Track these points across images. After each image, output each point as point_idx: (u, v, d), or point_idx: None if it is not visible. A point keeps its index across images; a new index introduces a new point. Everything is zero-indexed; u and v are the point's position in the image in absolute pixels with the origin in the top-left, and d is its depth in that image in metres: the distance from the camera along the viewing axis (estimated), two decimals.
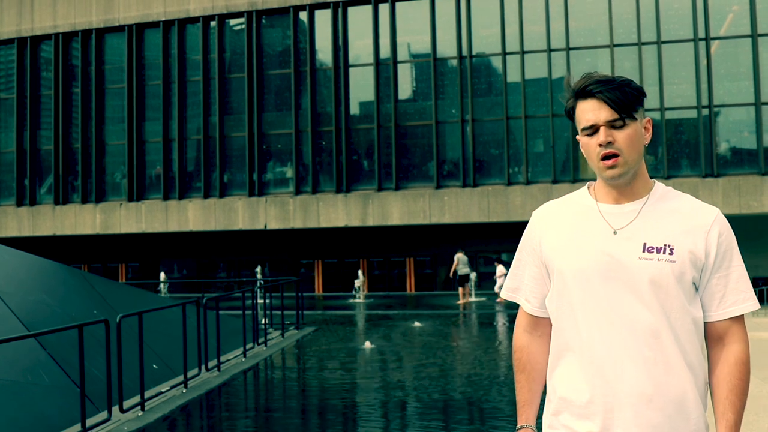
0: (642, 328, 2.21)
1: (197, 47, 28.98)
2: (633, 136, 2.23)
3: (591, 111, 2.24)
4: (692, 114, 24.75)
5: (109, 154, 30.09)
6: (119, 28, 29.70)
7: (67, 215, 29.78)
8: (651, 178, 2.39)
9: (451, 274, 25.25)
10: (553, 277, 2.37)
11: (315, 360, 13.10)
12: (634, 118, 2.24)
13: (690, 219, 2.27)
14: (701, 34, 24.54)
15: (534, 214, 2.52)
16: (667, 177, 23.96)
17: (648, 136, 2.31)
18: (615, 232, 2.27)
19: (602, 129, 2.22)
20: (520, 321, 2.56)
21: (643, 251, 2.22)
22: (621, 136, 2.22)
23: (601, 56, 25.40)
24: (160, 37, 29.24)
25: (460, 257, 24.07)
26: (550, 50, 25.50)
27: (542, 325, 2.50)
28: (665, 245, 2.22)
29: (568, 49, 25.42)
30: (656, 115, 24.74)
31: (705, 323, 2.30)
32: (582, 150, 2.34)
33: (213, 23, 28.84)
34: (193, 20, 28.94)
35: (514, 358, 2.57)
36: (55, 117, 30.20)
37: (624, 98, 2.21)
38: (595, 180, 2.43)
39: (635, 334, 2.21)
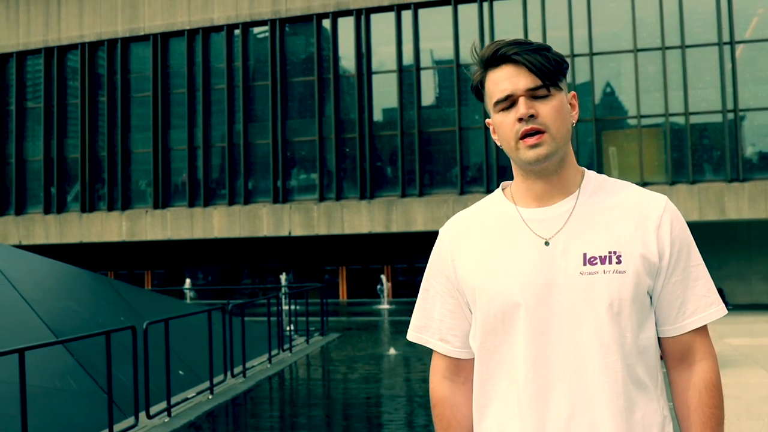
0: (594, 363, 1.75)
1: (221, 55, 29.17)
2: (560, 109, 1.80)
3: (506, 79, 1.79)
4: (717, 118, 24.54)
5: (135, 162, 30.34)
6: (144, 38, 29.97)
7: (93, 223, 30.06)
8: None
9: None
10: (474, 309, 1.88)
11: (340, 366, 13.13)
12: (559, 88, 1.81)
13: (635, 213, 1.81)
14: (726, 37, 24.35)
15: (442, 232, 2.02)
16: (692, 182, 23.75)
17: (575, 114, 1.88)
18: (546, 243, 1.80)
19: (522, 100, 1.77)
20: (437, 367, 2.05)
21: (584, 263, 1.76)
22: (546, 109, 1.77)
23: (625, 61, 25.28)
24: (184, 46, 29.47)
25: None
26: (573, 55, 25.42)
27: (466, 369, 1.99)
28: (610, 253, 1.76)
29: (591, 54, 25.32)
30: (681, 120, 24.57)
31: (660, 339, 1.87)
32: (494, 135, 1.89)
33: (237, 31, 29.02)
34: (218, 29, 29.14)
35: (433, 414, 2.06)
36: (81, 125, 30.51)
37: (547, 63, 1.78)
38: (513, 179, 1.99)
39: (585, 371, 1.75)
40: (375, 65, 27.76)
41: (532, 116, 1.76)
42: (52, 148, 30.93)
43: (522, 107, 1.76)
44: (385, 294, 27.23)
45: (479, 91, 1.89)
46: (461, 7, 26.79)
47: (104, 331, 7.65)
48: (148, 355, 8.36)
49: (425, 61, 27.44)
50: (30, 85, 31.79)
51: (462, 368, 2.00)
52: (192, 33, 29.38)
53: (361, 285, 31.45)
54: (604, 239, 1.78)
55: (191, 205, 29.00)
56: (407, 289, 31.14)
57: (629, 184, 1.88)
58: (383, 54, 27.67)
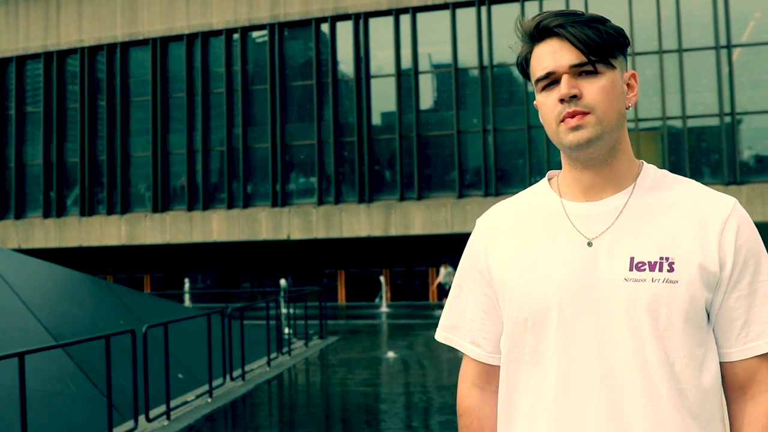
0: (634, 383, 1.51)
1: (220, 60, 29.24)
2: (609, 90, 1.55)
3: (549, 55, 1.58)
4: (714, 122, 24.62)
5: (134, 166, 30.40)
6: (143, 42, 30.03)
7: (92, 227, 30.10)
8: None
9: (435, 286, 25.54)
10: (506, 311, 1.67)
11: (339, 369, 13.18)
12: (612, 66, 1.57)
13: (695, 215, 1.56)
14: (723, 41, 24.43)
15: (478, 223, 1.81)
16: None
17: (633, 97, 1.63)
18: (589, 243, 1.58)
19: (564, 78, 1.55)
20: (466, 373, 1.82)
21: (631, 269, 1.53)
22: (592, 89, 1.54)
23: None
24: (183, 50, 29.54)
25: (447, 269, 24.33)
26: None
27: (498, 377, 1.75)
28: (662, 258, 1.52)
29: None
30: (678, 123, 24.65)
31: (721, 364, 1.58)
32: (540, 118, 1.67)
33: (236, 36, 29.09)
34: (216, 33, 29.21)
35: (459, 424, 1.83)
36: (80, 130, 30.57)
37: (596, 36, 1.54)
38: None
39: (623, 392, 1.52)
40: (373, 69, 27.83)
41: (575, 97, 1.54)
42: (52, 152, 30.98)
43: (564, 86, 1.54)
44: (384, 297, 27.26)
45: (524, 69, 1.69)
46: (459, 11, 26.86)
47: (104, 334, 7.69)
48: (147, 359, 8.40)
49: (423, 65, 27.51)
50: (30, 89, 31.85)
51: (494, 376, 1.77)
52: (191, 37, 29.44)
53: (360, 288, 31.48)
54: (656, 242, 1.54)
55: (190, 208, 29.04)
56: (406, 292, 31.18)
57: (693, 182, 1.63)
58: (382, 58, 27.75)
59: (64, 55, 31.19)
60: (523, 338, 1.62)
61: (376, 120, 27.99)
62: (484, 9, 26.47)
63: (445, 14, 26.95)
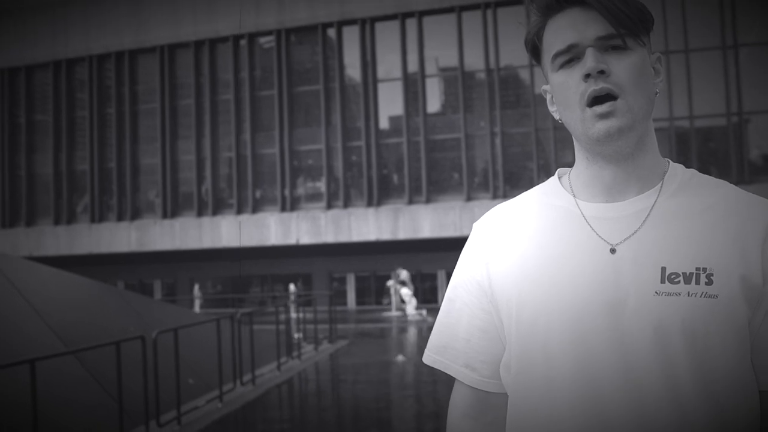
0: (666, 410, 1.25)
1: (228, 66, 29.34)
2: (640, 68, 1.32)
3: (570, 26, 1.33)
4: (722, 122, 24.57)
5: (143, 173, 30.54)
6: (151, 50, 30.17)
7: (102, 233, 30.24)
8: None
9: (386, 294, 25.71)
10: (512, 330, 1.40)
11: (348, 373, 13.21)
12: (642, 43, 1.34)
13: (734, 220, 1.31)
14: (729, 41, 24.39)
15: (476, 227, 1.55)
16: None
17: (660, 83, 1.40)
18: (612, 250, 1.33)
19: (590, 51, 1.30)
20: (457, 401, 1.53)
21: (663, 281, 1.28)
22: (621, 66, 1.30)
23: None
24: (191, 57, 29.66)
25: (401, 273, 24.62)
26: None
27: (495, 407, 1.50)
28: (698, 270, 1.28)
29: None
30: (686, 124, 24.61)
31: (760, 393, 1.32)
32: (551, 107, 1.45)
33: (243, 42, 29.19)
34: (223, 40, 29.32)
35: None
36: (90, 137, 30.73)
37: (626, 8, 1.31)
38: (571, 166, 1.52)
39: (654, 422, 1.25)
40: (380, 73, 27.88)
41: (602, 72, 1.29)
42: (62, 160, 31.14)
43: (590, 59, 1.29)
44: (393, 301, 27.29)
45: (536, 46, 1.42)
46: (465, 15, 26.89)
47: (114, 340, 7.76)
48: (158, 364, 8.46)
49: (430, 68, 27.55)
50: (39, 98, 32.03)
51: (490, 405, 1.50)
52: (198, 44, 29.56)
53: (369, 292, 31.52)
54: (691, 251, 1.29)
55: (199, 214, 29.14)
56: (416, 295, 31.19)
57: (727, 183, 1.40)
58: (388, 62, 27.80)
59: (72, 63, 31.35)
60: (534, 361, 1.35)
61: (383, 124, 28.04)
62: (489, 12, 26.50)
63: (451, 18, 26.98)
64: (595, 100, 1.30)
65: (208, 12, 29.21)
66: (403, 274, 25.72)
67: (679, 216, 1.34)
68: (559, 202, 1.44)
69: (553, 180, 1.50)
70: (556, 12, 1.36)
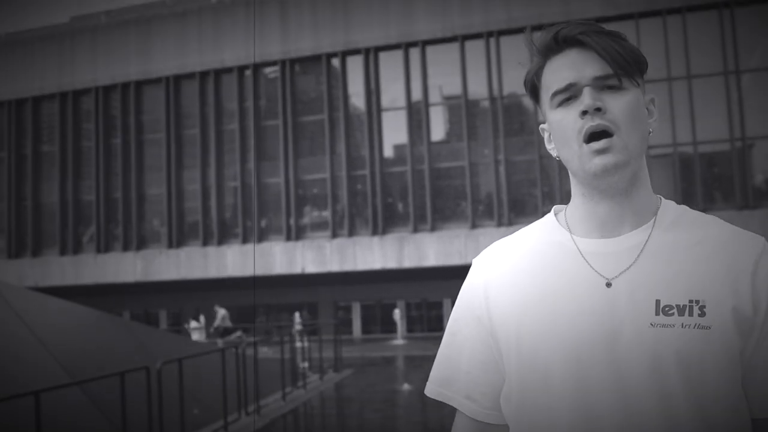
0: None
1: (233, 96, 29.53)
2: (635, 107, 1.38)
3: (569, 66, 1.40)
4: (725, 147, 24.61)
5: (149, 203, 30.64)
6: (157, 80, 30.39)
7: (108, 263, 30.28)
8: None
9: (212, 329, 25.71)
10: (512, 363, 1.43)
11: (354, 402, 13.16)
12: (636, 83, 1.40)
13: (724, 254, 1.37)
14: (731, 66, 24.49)
15: (476, 263, 1.58)
16: (702, 211, 23.78)
17: (653, 123, 1.46)
18: (608, 284, 1.37)
19: (587, 90, 1.37)
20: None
21: (657, 313, 1.33)
22: (617, 104, 1.37)
23: None
24: (196, 87, 29.86)
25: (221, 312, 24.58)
26: None
27: None
28: (691, 302, 1.33)
29: None
30: (689, 149, 24.65)
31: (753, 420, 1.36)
32: (549, 144, 1.51)
33: (248, 72, 29.40)
34: (228, 70, 29.53)
35: None
36: (96, 167, 30.87)
37: (621, 50, 1.38)
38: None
39: None
40: (384, 102, 28.03)
41: (599, 109, 1.35)
42: (68, 190, 31.28)
43: (587, 97, 1.35)
44: (399, 329, 27.21)
45: (534, 86, 1.50)
46: (468, 43, 27.07)
47: (118, 371, 7.75)
48: (162, 395, 8.44)
49: (434, 97, 27.69)
50: (45, 128, 32.24)
51: None
52: (203, 75, 29.77)
53: (375, 321, 31.45)
54: (685, 284, 1.34)
55: (205, 244, 29.18)
56: (421, 324, 31.12)
57: (717, 219, 1.45)
58: (392, 91, 27.95)
59: (78, 94, 31.59)
60: (535, 393, 1.39)
61: (387, 152, 28.14)
62: (492, 40, 26.66)
63: (454, 46, 27.15)
64: (592, 136, 1.35)
65: (213, 42, 29.46)
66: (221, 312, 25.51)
67: (673, 250, 1.38)
68: (555, 237, 1.48)
69: (549, 216, 1.55)
70: (555, 53, 1.44)
